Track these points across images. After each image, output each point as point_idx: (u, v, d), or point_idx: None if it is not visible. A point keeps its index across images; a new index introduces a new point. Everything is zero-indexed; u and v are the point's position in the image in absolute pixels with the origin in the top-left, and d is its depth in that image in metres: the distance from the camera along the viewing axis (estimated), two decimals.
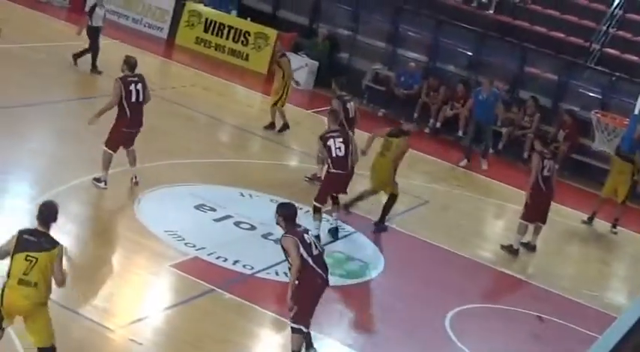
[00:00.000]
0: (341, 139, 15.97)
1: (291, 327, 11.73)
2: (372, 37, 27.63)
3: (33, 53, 23.52)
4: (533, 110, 23.96)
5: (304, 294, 11.61)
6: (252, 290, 13.81)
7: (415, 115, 25.18)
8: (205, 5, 28.59)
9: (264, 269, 14.45)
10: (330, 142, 15.89)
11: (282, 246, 11.58)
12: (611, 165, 20.59)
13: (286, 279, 14.18)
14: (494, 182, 21.82)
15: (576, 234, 19.83)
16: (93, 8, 23.26)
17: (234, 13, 28.46)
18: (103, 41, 23.44)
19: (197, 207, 16.36)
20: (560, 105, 24.96)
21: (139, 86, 16.15)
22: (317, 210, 16.02)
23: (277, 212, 11.82)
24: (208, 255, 14.54)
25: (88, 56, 22.89)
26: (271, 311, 13.35)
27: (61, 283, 10.20)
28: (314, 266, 11.55)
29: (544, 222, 17.52)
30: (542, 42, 25.62)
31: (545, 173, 17.12)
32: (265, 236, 15.68)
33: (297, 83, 23.34)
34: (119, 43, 23.72)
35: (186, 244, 14.77)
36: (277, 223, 11.80)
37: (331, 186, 16.20)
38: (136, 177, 16.48)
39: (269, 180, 18.53)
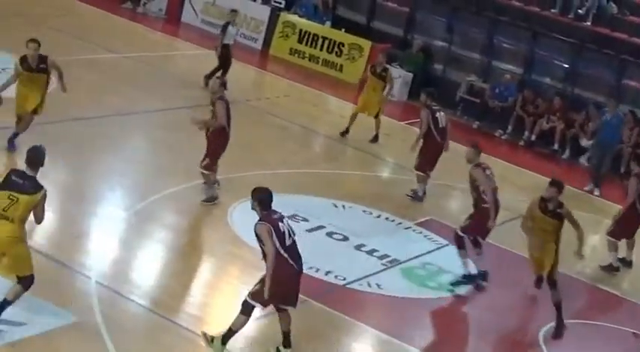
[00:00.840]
0: (491, 171, 15.15)
1: (244, 303, 11.53)
2: (467, 48, 27.48)
3: (130, 63, 23.87)
4: (631, 124, 23.48)
5: (271, 279, 11.37)
6: (344, 302, 13.76)
7: (509, 128, 25.01)
8: (300, 16, 28.71)
9: (356, 281, 14.40)
10: (488, 172, 14.99)
11: (255, 233, 11.37)
12: None
13: (378, 291, 14.22)
14: (591, 197, 21.47)
15: None
16: (226, 26, 23.47)
17: (328, 23, 28.51)
18: (197, 51, 23.64)
19: (290, 217, 16.31)
20: None
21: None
22: (462, 247, 15.08)
23: (252, 196, 11.58)
24: None
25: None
26: (362, 322, 13.29)
27: (39, 221, 11.07)
28: (284, 255, 11.40)
29: (629, 238, 17.27)
30: None
31: None
32: (358, 247, 15.64)
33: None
34: (214, 53, 23.87)
35: None
36: (252, 208, 11.57)
37: (485, 221, 14.92)
38: (218, 183, 16.64)
39: (362, 191, 18.50)
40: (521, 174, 22.05)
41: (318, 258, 14.82)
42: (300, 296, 13.49)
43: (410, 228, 17.05)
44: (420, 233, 16.47)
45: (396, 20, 28.70)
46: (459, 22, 27.72)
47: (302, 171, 18.96)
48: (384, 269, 15.07)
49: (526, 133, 24.81)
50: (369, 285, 14.35)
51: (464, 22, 27.77)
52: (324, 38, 27.83)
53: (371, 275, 14.47)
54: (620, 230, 17.09)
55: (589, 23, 26.49)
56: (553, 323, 14.42)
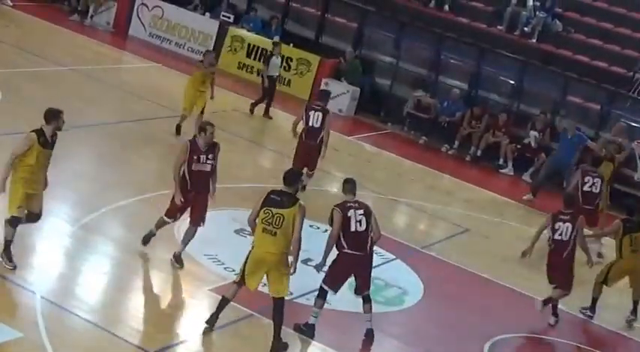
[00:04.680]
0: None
1: None
2: (415, 64, 27.67)
3: (76, 75, 23.73)
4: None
5: None
6: (291, 316, 13.74)
7: (456, 143, 25.19)
8: (248, 31, 28.71)
9: (303, 295, 14.43)
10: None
11: None
12: None
13: (326, 306, 14.22)
14: (535, 210, 21.66)
15: None
16: (269, 58, 23.95)
17: (276, 38, 28.54)
18: (145, 64, 23.47)
19: (237, 232, 16.39)
20: (601, 134, 24.78)
21: None
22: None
23: None
24: None
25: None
26: (315, 340, 13.29)
27: None
28: None
29: None
30: (585, 71, 25.55)
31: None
32: (305, 262, 15.58)
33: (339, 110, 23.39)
34: (161, 66, 23.86)
35: (225, 268, 14.80)
36: None
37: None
38: None
39: (310, 206, 18.42)
40: (467, 189, 22.22)
41: None
42: (246, 310, 13.55)
43: None
44: None
45: (344, 35, 28.82)
46: (406, 38, 27.89)
47: (249, 185, 18.91)
48: None
49: (472, 148, 25.01)
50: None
51: (411, 38, 27.95)
52: None
53: (316, 290, 14.47)
54: None
55: (534, 40, 26.81)
56: (498, 337, 14.56)
